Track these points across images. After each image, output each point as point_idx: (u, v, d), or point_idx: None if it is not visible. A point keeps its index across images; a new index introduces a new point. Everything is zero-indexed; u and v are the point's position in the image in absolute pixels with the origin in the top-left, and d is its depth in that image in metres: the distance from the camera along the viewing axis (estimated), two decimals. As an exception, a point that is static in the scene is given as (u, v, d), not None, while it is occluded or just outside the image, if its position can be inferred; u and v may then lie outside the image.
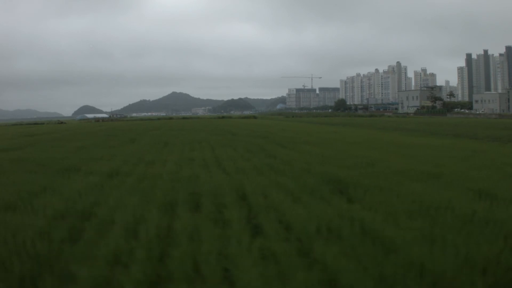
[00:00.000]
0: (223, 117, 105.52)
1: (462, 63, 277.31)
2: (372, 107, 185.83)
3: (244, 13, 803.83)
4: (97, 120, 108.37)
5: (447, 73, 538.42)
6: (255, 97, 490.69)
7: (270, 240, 4.58)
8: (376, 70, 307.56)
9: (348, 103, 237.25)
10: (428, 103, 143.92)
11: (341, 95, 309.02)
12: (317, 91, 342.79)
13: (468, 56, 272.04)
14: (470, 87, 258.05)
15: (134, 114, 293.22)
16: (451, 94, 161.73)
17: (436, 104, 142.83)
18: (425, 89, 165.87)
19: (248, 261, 3.91)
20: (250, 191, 7.15)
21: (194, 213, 5.83)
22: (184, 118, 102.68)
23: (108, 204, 6.49)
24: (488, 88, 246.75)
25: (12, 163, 12.81)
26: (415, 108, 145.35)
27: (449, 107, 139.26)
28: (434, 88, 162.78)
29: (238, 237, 4.66)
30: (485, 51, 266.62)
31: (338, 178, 8.64)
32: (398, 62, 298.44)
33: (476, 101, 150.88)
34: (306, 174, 9.24)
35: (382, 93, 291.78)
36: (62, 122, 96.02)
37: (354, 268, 3.80)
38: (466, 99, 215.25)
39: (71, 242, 4.72)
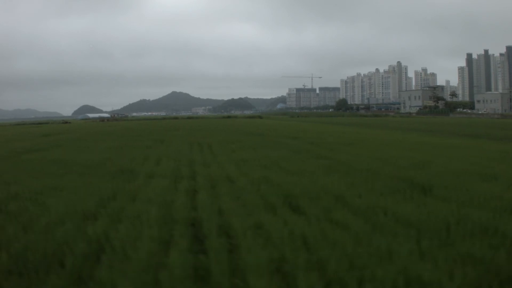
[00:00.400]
0: (228, 116, 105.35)
1: (463, 63, 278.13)
2: (374, 106, 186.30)
3: (244, 13, 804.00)
4: (102, 120, 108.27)
5: (447, 73, 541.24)
6: (255, 97, 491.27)
7: (402, 238, 4.74)
8: (377, 69, 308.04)
9: (349, 102, 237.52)
10: (431, 103, 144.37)
11: (342, 95, 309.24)
12: (317, 91, 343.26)
13: (469, 56, 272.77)
14: (471, 87, 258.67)
15: (134, 114, 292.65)
16: (454, 94, 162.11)
17: (439, 104, 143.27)
18: (427, 89, 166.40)
19: (412, 260, 3.99)
20: (338, 192, 7.25)
21: (304, 217, 5.79)
22: (189, 118, 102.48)
23: (208, 210, 6.23)
24: (488, 88, 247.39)
25: (54, 165, 12.32)
26: (417, 108, 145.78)
27: (451, 107, 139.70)
28: (436, 88, 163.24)
29: (375, 238, 4.68)
30: (486, 51, 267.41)
31: (408, 178, 8.76)
32: (398, 62, 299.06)
33: (478, 101, 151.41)
34: (373, 175, 9.38)
35: (382, 92, 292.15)
36: (67, 122, 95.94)
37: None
38: (467, 99, 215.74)
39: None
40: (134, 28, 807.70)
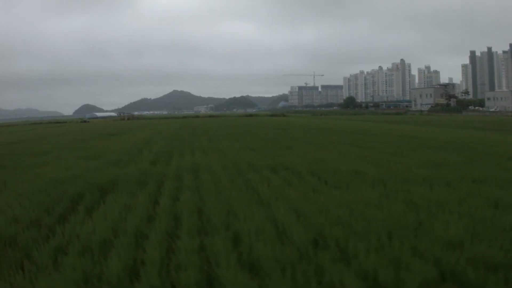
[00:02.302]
0: (250, 115, 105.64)
1: (465, 61, 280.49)
2: (383, 104, 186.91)
3: (242, 12, 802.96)
4: (122, 118, 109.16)
5: (449, 71, 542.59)
6: (256, 95, 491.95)
7: None
8: (380, 67, 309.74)
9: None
10: (443, 101, 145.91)
11: (344, 93, 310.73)
12: (319, 89, 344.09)
13: (472, 53, 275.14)
14: (474, 84, 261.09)
15: (135, 113, 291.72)
16: (466, 92, 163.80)
17: (451, 102, 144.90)
18: (438, 86, 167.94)
19: None
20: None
21: None
22: (211, 116, 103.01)
23: None
24: (492, 85, 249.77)
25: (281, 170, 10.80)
26: (429, 106, 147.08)
27: (463, 104, 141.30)
28: (447, 85, 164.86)
29: None
30: (489, 48, 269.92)
31: None
32: (402, 60, 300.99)
33: (488, 99, 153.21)
34: None
35: (386, 90, 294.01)
36: (85, 121, 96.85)
37: None
38: (471, 96, 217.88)
39: None
40: (134, 27, 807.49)
